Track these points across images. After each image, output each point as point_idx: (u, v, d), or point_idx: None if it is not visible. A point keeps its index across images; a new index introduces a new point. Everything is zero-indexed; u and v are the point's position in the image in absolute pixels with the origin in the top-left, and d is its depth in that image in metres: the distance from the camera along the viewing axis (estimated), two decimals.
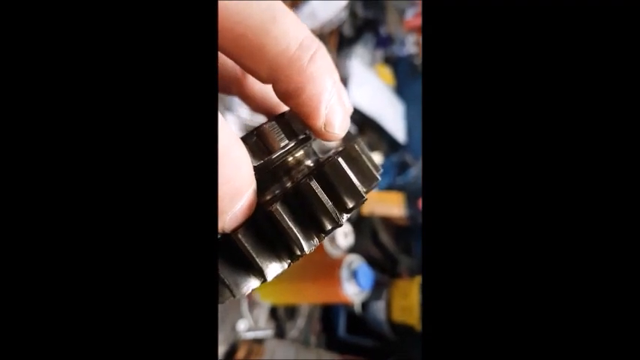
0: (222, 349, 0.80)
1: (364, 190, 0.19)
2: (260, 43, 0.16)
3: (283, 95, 0.18)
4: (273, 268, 0.18)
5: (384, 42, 1.41)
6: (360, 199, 0.18)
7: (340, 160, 0.18)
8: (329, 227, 0.18)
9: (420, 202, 1.07)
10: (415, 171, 1.19)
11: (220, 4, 0.15)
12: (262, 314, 0.87)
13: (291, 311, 0.91)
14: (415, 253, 1.11)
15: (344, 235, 0.87)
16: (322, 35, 1.19)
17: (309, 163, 0.21)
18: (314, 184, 0.17)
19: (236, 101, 0.91)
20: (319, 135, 0.19)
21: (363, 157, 0.19)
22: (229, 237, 0.17)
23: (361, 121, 1.20)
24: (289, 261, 0.18)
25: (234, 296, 0.17)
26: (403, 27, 1.46)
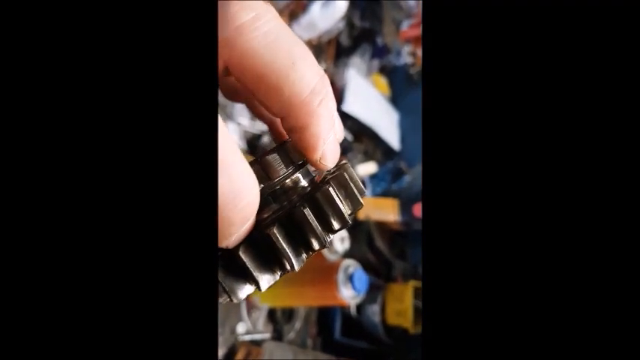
0: (221, 352, 0.82)
1: (349, 213, 0.21)
2: (278, 85, 0.18)
3: (289, 129, 0.20)
4: (267, 280, 0.20)
5: (380, 52, 1.45)
6: (345, 224, 0.21)
7: (330, 189, 0.20)
8: (317, 247, 0.20)
9: (414, 208, 1.10)
10: (409, 178, 1.22)
11: (248, 44, 0.17)
12: (261, 317, 0.89)
13: (289, 314, 0.93)
14: (409, 258, 1.14)
15: (341, 241, 0.89)
16: (320, 44, 1.22)
17: (304, 183, 0.23)
18: (307, 212, 0.19)
19: (237, 110, 0.93)
20: (314, 165, 0.21)
21: (351, 184, 0.21)
22: (229, 252, 0.19)
23: (357, 129, 1.22)
24: (280, 273, 0.20)
25: (231, 300, 0.20)
26: (399, 38, 1.50)
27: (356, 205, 0.22)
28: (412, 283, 0.96)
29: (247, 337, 0.85)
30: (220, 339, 0.82)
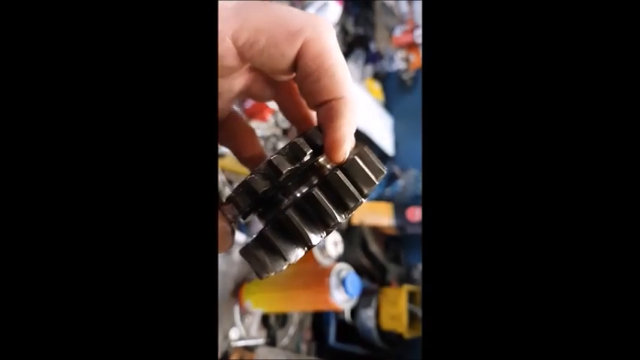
0: None
1: (375, 178, 0.24)
2: (346, 70, 0.26)
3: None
4: (315, 238, 0.23)
5: (373, 58, 1.46)
6: (372, 185, 0.24)
7: (356, 157, 0.24)
8: (352, 205, 0.23)
9: (407, 212, 1.10)
10: (403, 182, 1.22)
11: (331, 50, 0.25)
12: (254, 323, 0.88)
13: (283, 320, 0.93)
14: (403, 262, 1.14)
15: (334, 244, 0.89)
16: None
17: (328, 167, 0.27)
18: (341, 175, 0.23)
19: None
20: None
21: (370, 156, 0.25)
22: (280, 217, 0.23)
23: None
24: (325, 232, 0.23)
25: (286, 261, 0.23)
26: (392, 44, 1.51)
27: (378, 172, 0.25)
28: (406, 288, 0.95)
29: (241, 343, 0.84)
30: None
